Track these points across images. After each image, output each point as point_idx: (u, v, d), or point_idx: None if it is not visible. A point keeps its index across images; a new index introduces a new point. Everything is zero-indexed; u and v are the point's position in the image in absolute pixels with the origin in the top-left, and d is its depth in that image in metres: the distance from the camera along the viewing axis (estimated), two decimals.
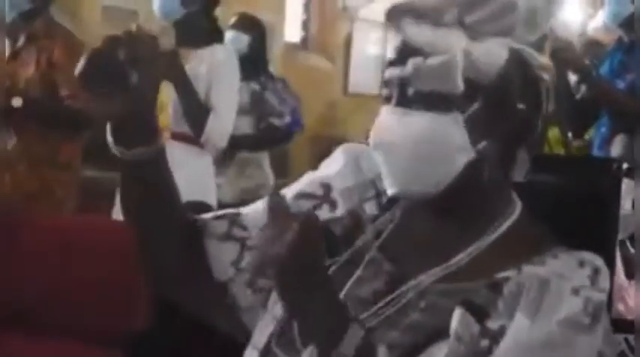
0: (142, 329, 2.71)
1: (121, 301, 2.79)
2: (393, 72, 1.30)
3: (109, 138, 1.36)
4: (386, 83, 1.31)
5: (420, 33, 1.28)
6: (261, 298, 1.40)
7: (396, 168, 1.29)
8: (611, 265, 1.44)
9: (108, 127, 1.35)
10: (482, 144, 1.27)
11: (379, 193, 1.41)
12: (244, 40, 4.77)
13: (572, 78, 4.02)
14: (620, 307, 2.90)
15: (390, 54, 1.31)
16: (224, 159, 4.35)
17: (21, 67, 3.85)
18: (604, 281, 1.23)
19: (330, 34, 9.33)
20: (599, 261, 1.25)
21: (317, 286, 1.20)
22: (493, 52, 1.28)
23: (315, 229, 1.20)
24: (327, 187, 1.42)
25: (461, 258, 1.29)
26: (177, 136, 3.78)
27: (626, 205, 1.54)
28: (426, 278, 1.28)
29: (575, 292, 1.21)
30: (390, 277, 1.31)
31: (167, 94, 3.76)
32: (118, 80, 1.30)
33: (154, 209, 1.40)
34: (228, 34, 4.74)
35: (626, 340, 2.23)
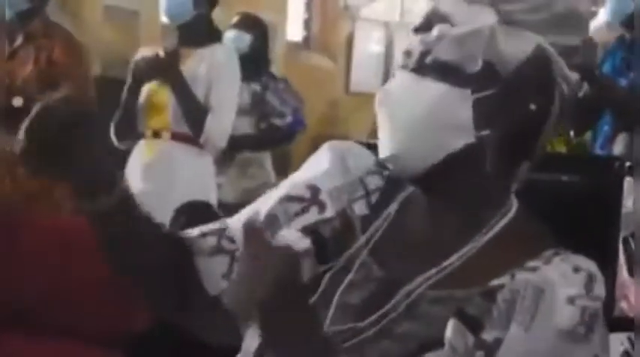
0: (142, 329, 2.70)
1: (121, 301, 2.78)
2: (416, 39, 1.28)
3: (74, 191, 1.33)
4: (406, 53, 1.30)
5: (453, 3, 1.27)
6: None
7: (395, 129, 1.27)
8: (613, 263, 1.44)
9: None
10: (485, 132, 1.26)
11: (368, 193, 1.38)
12: (246, 39, 4.77)
13: (575, 76, 4.00)
14: (623, 304, 2.88)
15: (418, 21, 1.30)
16: (225, 159, 4.35)
17: (19, 65, 3.86)
18: (599, 288, 1.21)
19: (331, 33, 9.34)
20: (593, 267, 1.22)
21: (299, 321, 1.17)
22: (519, 43, 1.27)
23: (295, 265, 1.17)
24: (314, 189, 1.38)
25: (455, 259, 1.26)
26: (177, 137, 3.79)
27: (628, 203, 1.53)
28: (417, 284, 1.26)
29: (571, 301, 1.19)
30: (380, 284, 1.29)
31: (166, 95, 3.77)
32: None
33: (134, 248, 1.37)
34: (230, 34, 4.74)
35: (629, 339, 2.22)
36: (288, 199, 1.39)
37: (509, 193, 1.32)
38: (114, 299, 2.73)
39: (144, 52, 3.95)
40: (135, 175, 3.82)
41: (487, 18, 1.26)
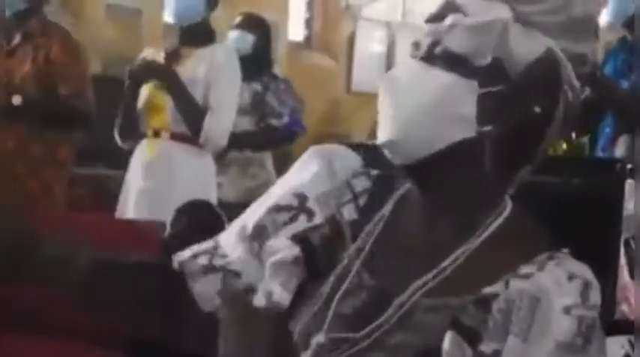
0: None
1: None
2: (425, 32, 1.28)
3: None
4: (414, 44, 1.30)
5: None
6: None
7: (397, 115, 1.26)
8: (614, 265, 1.43)
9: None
10: (487, 128, 1.25)
11: (355, 196, 1.37)
12: (249, 39, 4.76)
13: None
14: (624, 307, 2.88)
15: (432, 11, 1.30)
16: (224, 158, 4.34)
17: (17, 64, 3.87)
18: (595, 296, 1.20)
19: (333, 33, 9.34)
20: (588, 273, 1.22)
21: None
22: (530, 44, 1.27)
23: (282, 325, 1.18)
24: (301, 197, 1.36)
25: (450, 261, 1.25)
26: (177, 136, 3.80)
27: (629, 205, 1.52)
28: (411, 293, 1.24)
29: (567, 310, 1.18)
30: (372, 292, 1.28)
31: (165, 96, 3.77)
32: None
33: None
34: (233, 34, 4.74)
35: (630, 342, 2.21)
36: (276, 209, 1.37)
37: (505, 194, 1.32)
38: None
39: (146, 53, 3.96)
40: (136, 173, 3.83)
41: (501, 12, 1.26)
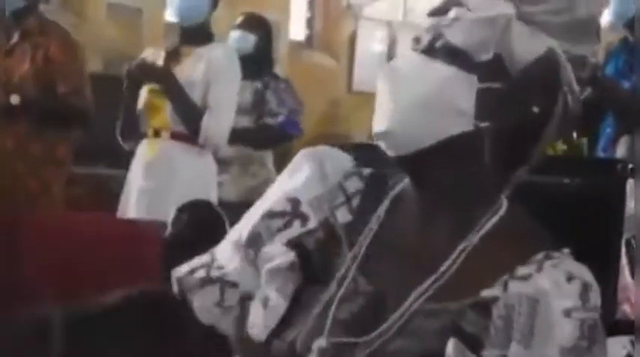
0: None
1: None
2: (430, 23, 1.28)
3: None
4: (415, 39, 1.29)
5: None
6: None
7: (395, 106, 1.25)
8: (615, 266, 1.43)
9: None
10: (485, 123, 1.24)
11: (348, 198, 1.35)
12: (251, 39, 4.76)
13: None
14: (626, 307, 2.87)
15: (435, 5, 1.29)
16: (224, 157, 4.34)
17: (16, 63, 3.88)
18: (595, 298, 1.19)
19: (334, 32, 9.34)
20: (587, 275, 1.21)
21: None
22: (531, 43, 1.26)
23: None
24: (294, 202, 1.35)
25: (448, 264, 1.24)
26: (176, 136, 3.80)
27: (630, 205, 1.52)
28: (411, 302, 1.23)
29: (567, 313, 1.17)
30: (369, 298, 1.26)
31: (163, 96, 3.78)
32: None
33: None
34: (235, 34, 4.75)
35: (631, 342, 2.21)
36: (270, 215, 1.36)
37: (501, 193, 1.31)
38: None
39: (147, 52, 3.96)
40: (137, 173, 3.83)
41: (504, 9, 1.26)
